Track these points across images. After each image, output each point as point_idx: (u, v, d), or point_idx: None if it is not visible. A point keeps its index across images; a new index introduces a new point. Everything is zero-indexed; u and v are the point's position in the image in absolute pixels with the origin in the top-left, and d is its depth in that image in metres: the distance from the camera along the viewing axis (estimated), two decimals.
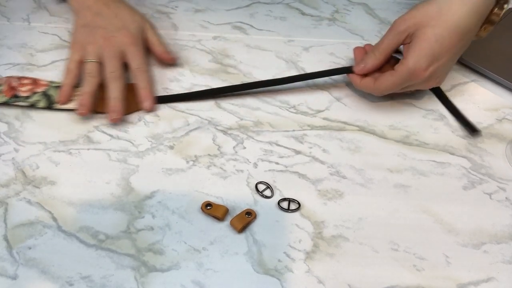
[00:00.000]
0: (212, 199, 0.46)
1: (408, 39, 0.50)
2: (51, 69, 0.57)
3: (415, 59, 0.48)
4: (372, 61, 0.52)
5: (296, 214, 0.46)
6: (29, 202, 0.46)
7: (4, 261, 0.42)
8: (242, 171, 0.49)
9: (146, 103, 0.53)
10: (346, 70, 0.54)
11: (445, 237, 0.45)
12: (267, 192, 0.47)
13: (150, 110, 0.53)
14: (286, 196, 0.47)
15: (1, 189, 0.47)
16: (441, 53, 0.48)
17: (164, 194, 0.47)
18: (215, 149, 0.51)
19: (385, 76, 0.50)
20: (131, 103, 0.53)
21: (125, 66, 0.54)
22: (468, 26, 0.48)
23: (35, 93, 0.53)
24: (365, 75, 0.53)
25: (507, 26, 0.64)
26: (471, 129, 0.53)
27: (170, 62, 0.58)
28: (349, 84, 0.58)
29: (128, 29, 0.55)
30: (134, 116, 0.53)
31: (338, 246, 0.44)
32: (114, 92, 0.52)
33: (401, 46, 0.52)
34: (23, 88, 0.53)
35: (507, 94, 0.57)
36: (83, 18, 0.56)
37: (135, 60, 0.54)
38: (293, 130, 0.53)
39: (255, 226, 0.45)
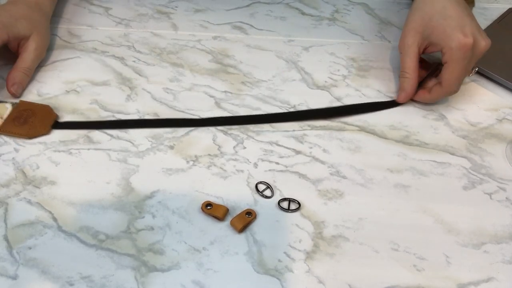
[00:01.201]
0: (212, 199, 0.46)
1: (425, 41, 0.52)
2: (51, 69, 0.57)
3: (446, 39, 0.50)
4: (408, 85, 0.54)
5: (296, 214, 0.46)
6: (29, 202, 0.46)
7: (4, 261, 0.42)
8: (242, 171, 0.49)
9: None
10: (391, 104, 0.55)
11: (445, 237, 0.45)
12: (267, 192, 0.47)
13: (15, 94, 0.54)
14: (286, 196, 0.47)
15: (1, 189, 0.47)
16: (457, 19, 0.50)
17: (164, 194, 0.47)
18: (215, 149, 0.51)
19: (436, 90, 0.53)
20: (36, 127, 0.51)
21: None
22: None
23: None
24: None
25: (507, 26, 0.64)
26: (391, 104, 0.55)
27: (11, 93, 0.54)
28: (349, 84, 0.58)
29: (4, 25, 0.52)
30: (134, 116, 0.53)
31: (338, 246, 0.44)
32: None
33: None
34: None
35: (507, 94, 0.57)
36: None
37: None
38: (293, 130, 0.53)
39: (255, 226, 0.45)
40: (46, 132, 0.51)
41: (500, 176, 0.49)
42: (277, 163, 0.50)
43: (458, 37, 0.49)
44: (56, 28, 0.63)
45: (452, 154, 0.51)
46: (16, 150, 0.50)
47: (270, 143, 0.51)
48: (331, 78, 0.58)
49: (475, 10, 0.68)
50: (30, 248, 0.43)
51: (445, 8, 0.51)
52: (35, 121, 0.51)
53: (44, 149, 0.50)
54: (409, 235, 0.45)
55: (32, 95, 0.55)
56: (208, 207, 0.45)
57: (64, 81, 0.57)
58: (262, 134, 0.52)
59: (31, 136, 0.50)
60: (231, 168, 0.49)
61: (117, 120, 0.53)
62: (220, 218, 0.45)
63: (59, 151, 0.50)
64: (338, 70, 0.59)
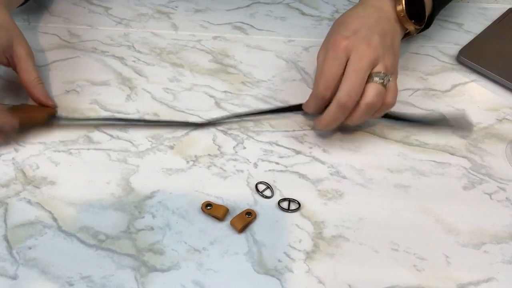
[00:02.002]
0: (212, 199, 0.46)
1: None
2: (51, 69, 0.57)
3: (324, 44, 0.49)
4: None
5: (296, 214, 0.46)
6: (29, 202, 0.46)
7: (4, 261, 0.42)
8: (242, 171, 0.49)
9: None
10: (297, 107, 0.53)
11: (445, 237, 0.45)
12: (267, 192, 0.47)
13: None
14: (286, 196, 0.47)
15: (1, 189, 0.47)
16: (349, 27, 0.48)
17: (164, 194, 0.47)
18: (215, 149, 0.51)
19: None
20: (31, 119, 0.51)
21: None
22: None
23: None
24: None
25: (507, 26, 0.64)
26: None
27: (51, 106, 0.51)
28: None
29: None
30: (134, 116, 0.53)
31: (338, 246, 0.44)
32: None
33: None
34: None
35: (507, 94, 0.57)
36: None
37: None
38: (293, 130, 0.53)
39: (255, 226, 0.45)
40: (43, 119, 0.51)
41: (500, 176, 0.49)
42: (277, 163, 0.50)
43: (334, 37, 0.47)
44: (56, 28, 0.62)
45: (452, 154, 0.51)
46: (16, 150, 0.50)
47: (270, 143, 0.51)
48: None
49: (475, 10, 0.68)
50: (30, 248, 0.43)
51: (347, 16, 0.50)
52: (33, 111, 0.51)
53: (44, 149, 0.50)
54: (409, 235, 0.45)
55: None
56: (208, 207, 0.45)
57: (64, 81, 0.57)
58: (262, 134, 0.52)
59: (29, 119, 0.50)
60: (231, 168, 0.49)
61: (118, 118, 0.53)
62: (220, 218, 0.45)
63: (59, 151, 0.50)
64: None
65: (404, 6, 0.50)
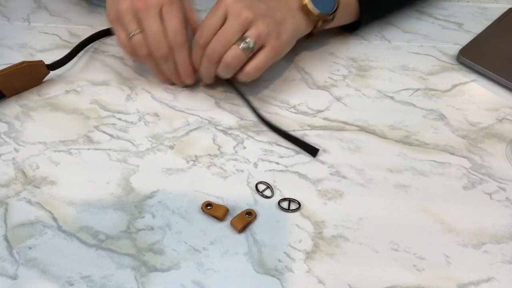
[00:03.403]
0: (212, 199, 0.46)
1: None
2: None
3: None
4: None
5: (296, 214, 0.46)
6: (29, 202, 0.46)
7: (4, 261, 0.42)
8: (242, 171, 0.49)
9: (187, 80, 0.54)
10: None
11: (445, 237, 0.45)
12: (267, 192, 0.47)
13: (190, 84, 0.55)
14: (286, 196, 0.47)
15: (1, 189, 0.47)
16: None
17: (164, 194, 0.47)
18: (215, 149, 0.51)
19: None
20: (25, 82, 0.54)
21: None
22: None
23: None
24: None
25: (507, 26, 0.64)
26: (311, 149, 0.50)
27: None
28: (349, 84, 0.58)
29: None
30: (134, 116, 0.53)
31: (338, 246, 0.44)
32: (178, 58, 0.51)
33: None
34: None
35: (507, 94, 0.57)
36: None
37: (170, 25, 0.49)
38: (293, 130, 0.53)
39: (255, 226, 0.45)
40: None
41: (500, 176, 0.49)
42: (277, 163, 0.50)
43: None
44: (56, 28, 0.63)
45: (452, 154, 0.51)
46: (16, 150, 0.50)
47: (270, 143, 0.51)
48: (331, 78, 0.58)
49: (475, 10, 0.68)
50: (30, 248, 0.43)
51: None
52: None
53: (44, 149, 0.50)
54: (409, 235, 0.45)
55: (32, 95, 0.55)
56: (208, 207, 0.45)
57: (64, 81, 0.57)
58: (262, 134, 0.52)
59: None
60: (231, 168, 0.49)
61: None
62: (220, 218, 0.45)
63: (59, 151, 0.50)
64: (338, 70, 0.59)
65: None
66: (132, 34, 0.49)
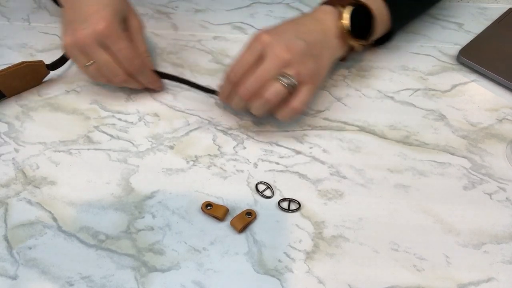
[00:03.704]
0: (212, 199, 0.46)
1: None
2: None
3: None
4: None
5: (296, 214, 0.46)
6: (29, 202, 0.46)
7: (4, 261, 0.42)
8: (242, 171, 0.49)
9: (158, 88, 0.55)
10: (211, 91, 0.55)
11: (445, 237, 0.45)
12: (267, 192, 0.47)
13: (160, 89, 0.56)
14: (286, 196, 0.47)
15: (1, 189, 0.47)
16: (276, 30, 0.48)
17: (164, 194, 0.47)
18: (215, 149, 0.51)
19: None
20: (25, 83, 0.55)
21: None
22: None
23: None
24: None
25: (507, 26, 0.64)
26: (209, 91, 0.54)
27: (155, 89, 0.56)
28: (349, 84, 0.58)
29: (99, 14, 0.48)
30: (134, 116, 0.53)
31: (338, 246, 0.44)
32: (142, 80, 0.52)
33: None
34: None
35: (507, 94, 0.57)
36: (61, 14, 0.51)
37: (120, 55, 0.49)
38: (293, 130, 0.53)
39: (255, 226, 0.45)
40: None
41: (500, 176, 0.49)
42: (277, 163, 0.50)
43: (260, 30, 0.47)
44: (56, 28, 0.62)
45: (452, 154, 0.51)
46: (16, 150, 0.50)
47: (270, 143, 0.51)
48: (331, 78, 0.58)
49: (475, 10, 0.68)
50: (30, 248, 0.43)
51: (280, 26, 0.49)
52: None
53: (44, 149, 0.50)
54: (409, 235, 0.45)
55: (32, 95, 0.55)
56: (208, 207, 0.45)
57: (64, 81, 0.57)
58: (262, 134, 0.52)
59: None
60: (231, 168, 0.49)
61: None
62: (220, 218, 0.45)
63: (59, 151, 0.50)
64: (338, 70, 0.59)
65: (347, 21, 0.50)
66: (86, 65, 0.49)
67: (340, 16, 0.50)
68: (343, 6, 0.50)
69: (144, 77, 0.52)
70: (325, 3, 0.52)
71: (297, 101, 0.47)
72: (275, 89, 0.46)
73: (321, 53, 0.49)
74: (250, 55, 0.47)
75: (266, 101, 0.46)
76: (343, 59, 0.55)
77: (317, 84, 0.49)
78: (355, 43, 0.52)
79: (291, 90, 0.46)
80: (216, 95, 0.53)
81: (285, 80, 0.46)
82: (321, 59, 0.49)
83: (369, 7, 0.51)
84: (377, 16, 0.52)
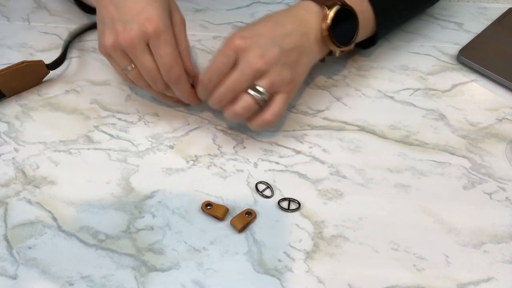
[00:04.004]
0: (212, 199, 0.46)
1: None
2: None
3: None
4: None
5: (296, 214, 0.46)
6: (29, 202, 0.46)
7: (4, 261, 0.42)
8: (242, 171, 0.49)
9: (194, 104, 0.52)
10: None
11: (445, 237, 0.45)
12: (267, 192, 0.47)
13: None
14: (286, 196, 0.47)
15: (1, 189, 0.47)
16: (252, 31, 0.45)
17: (164, 194, 0.47)
18: (215, 149, 0.51)
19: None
20: (25, 82, 0.54)
21: None
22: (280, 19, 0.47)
23: None
24: None
25: (507, 26, 0.64)
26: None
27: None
28: (349, 84, 0.58)
29: (147, 13, 0.43)
30: (134, 116, 0.53)
31: (338, 246, 0.44)
32: (178, 93, 0.48)
33: None
34: None
35: (507, 94, 0.57)
36: (98, 10, 0.47)
37: (161, 62, 0.45)
38: (293, 130, 0.53)
39: (255, 226, 0.45)
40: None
41: (500, 176, 0.49)
42: (277, 163, 0.50)
43: (234, 33, 0.45)
44: (56, 28, 0.62)
45: (452, 154, 0.51)
46: (16, 150, 0.50)
47: (270, 143, 0.51)
48: (331, 78, 0.58)
49: (475, 10, 0.68)
50: (30, 248, 0.43)
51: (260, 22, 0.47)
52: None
53: (44, 149, 0.50)
54: (409, 235, 0.45)
55: (32, 95, 0.55)
56: (208, 207, 0.45)
57: (64, 81, 0.57)
58: (262, 134, 0.52)
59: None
60: (231, 168, 0.49)
61: None
62: (220, 218, 0.45)
63: (59, 151, 0.50)
64: (338, 70, 0.59)
65: (329, 24, 0.46)
66: (125, 68, 0.46)
67: (324, 17, 0.47)
68: (329, 6, 0.47)
69: (179, 90, 0.48)
70: None
71: (269, 114, 0.46)
72: (245, 104, 0.45)
73: (298, 59, 0.46)
74: (223, 61, 0.44)
75: (237, 115, 0.45)
76: (322, 60, 0.53)
77: (292, 93, 0.47)
78: (333, 47, 0.49)
79: (263, 104, 0.45)
80: None
81: (257, 95, 0.44)
82: (298, 66, 0.47)
83: (354, 10, 0.48)
84: (361, 21, 0.49)
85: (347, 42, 0.50)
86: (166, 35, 0.44)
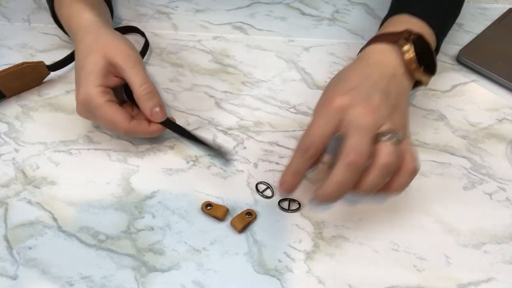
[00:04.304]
0: (212, 199, 0.46)
1: None
2: None
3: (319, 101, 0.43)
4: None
5: (297, 214, 0.46)
6: (29, 202, 0.46)
7: (4, 261, 0.42)
8: (242, 171, 0.49)
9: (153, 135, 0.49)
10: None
11: (445, 237, 0.45)
12: (268, 192, 0.47)
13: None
14: (287, 196, 0.47)
15: (1, 189, 0.47)
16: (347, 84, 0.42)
17: (164, 194, 0.47)
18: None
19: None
20: (26, 83, 0.55)
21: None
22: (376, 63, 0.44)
23: None
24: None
25: (507, 26, 0.64)
26: (223, 154, 0.49)
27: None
28: None
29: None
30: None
31: (338, 246, 0.44)
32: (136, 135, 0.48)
33: None
34: None
35: (507, 94, 0.57)
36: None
37: (103, 124, 0.47)
38: (293, 130, 0.53)
39: (256, 226, 0.45)
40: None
41: (500, 176, 0.49)
42: (277, 163, 0.50)
43: (329, 94, 0.42)
44: (56, 28, 0.62)
45: (452, 154, 0.51)
46: (16, 150, 0.50)
47: (270, 143, 0.51)
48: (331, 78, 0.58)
49: (475, 10, 0.68)
50: (30, 248, 0.43)
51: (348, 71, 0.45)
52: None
53: (44, 149, 0.50)
54: (409, 235, 0.45)
55: (32, 95, 0.55)
56: (208, 207, 0.45)
57: (64, 81, 0.57)
58: (262, 134, 0.52)
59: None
60: (231, 168, 0.49)
61: None
62: (220, 218, 0.45)
63: (59, 151, 0.50)
64: (338, 70, 0.59)
65: (414, 55, 0.44)
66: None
67: (405, 52, 0.44)
68: (406, 39, 0.44)
69: (136, 136, 0.49)
70: (372, 42, 0.47)
71: (410, 160, 0.39)
72: (388, 149, 0.38)
73: (397, 101, 0.42)
74: (324, 123, 0.40)
75: (385, 167, 0.38)
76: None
77: (408, 136, 0.42)
78: (424, 77, 0.45)
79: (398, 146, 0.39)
80: (225, 157, 0.49)
81: (391, 138, 0.39)
82: (401, 106, 0.43)
83: (424, 36, 0.46)
84: (431, 43, 0.47)
85: (433, 66, 0.47)
86: (99, 110, 0.45)
